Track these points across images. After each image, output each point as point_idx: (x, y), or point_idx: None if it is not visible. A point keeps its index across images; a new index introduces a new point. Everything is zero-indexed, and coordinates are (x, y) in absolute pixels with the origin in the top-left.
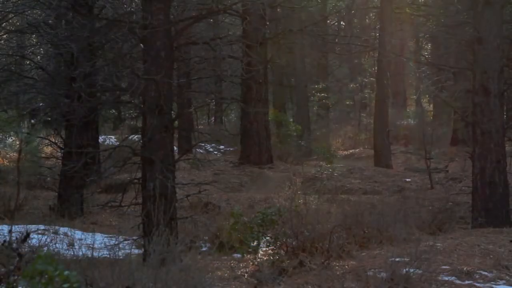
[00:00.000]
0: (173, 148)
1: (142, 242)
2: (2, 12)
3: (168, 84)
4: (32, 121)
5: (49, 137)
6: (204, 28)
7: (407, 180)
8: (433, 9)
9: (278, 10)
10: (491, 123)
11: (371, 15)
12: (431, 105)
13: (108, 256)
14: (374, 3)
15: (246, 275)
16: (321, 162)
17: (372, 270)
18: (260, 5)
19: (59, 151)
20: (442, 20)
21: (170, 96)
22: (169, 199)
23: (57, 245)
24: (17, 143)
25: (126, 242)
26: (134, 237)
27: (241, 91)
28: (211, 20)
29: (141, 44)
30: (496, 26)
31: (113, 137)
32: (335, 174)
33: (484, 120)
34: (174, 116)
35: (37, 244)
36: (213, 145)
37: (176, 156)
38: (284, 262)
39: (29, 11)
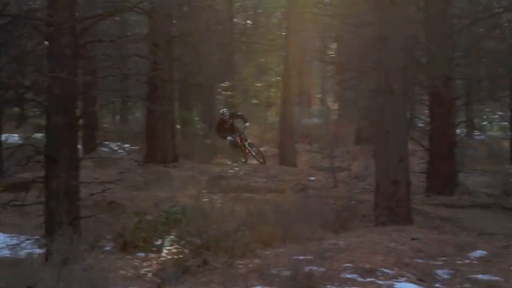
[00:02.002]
0: (78, 146)
1: (45, 242)
2: None
3: (73, 82)
4: None
5: None
6: (110, 26)
7: (312, 178)
8: (338, 8)
9: (185, 8)
10: (394, 122)
11: (278, 14)
12: (336, 104)
13: (9, 256)
14: (281, 3)
15: (150, 274)
16: (226, 161)
17: (276, 268)
18: (167, 3)
19: None
20: (347, 20)
21: (74, 94)
22: (73, 198)
23: None
24: None
25: (28, 241)
26: (37, 237)
27: (147, 89)
28: (118, 18)
29: (46, 42)
30: (400, 26)
31: (16, 135)
32: (241, 172)
33: (387, 119)
34: (78, 114)
35: None
36: (118, 143)
37: (81, 155)
38: (188, 261)
39: None
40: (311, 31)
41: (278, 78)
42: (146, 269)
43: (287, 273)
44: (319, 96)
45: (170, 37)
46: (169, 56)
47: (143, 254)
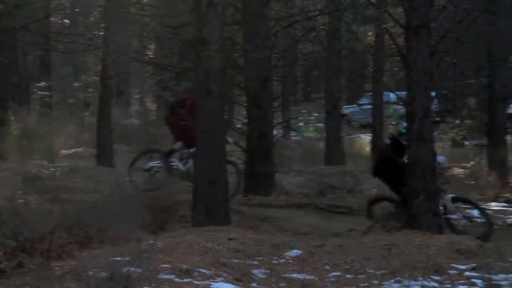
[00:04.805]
0: None
1: None
2: None
3: None
4: None
5: None
6: None
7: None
8: (157, 9)
9: (0, 6)
10: (212, 123)
11: (96, 13)
12: (155, 105)
13: None
14: (99, 2)
15: None
16: (43, 161)
17: (93, 269)
18: None
19: None
20: (166, 20)
21: None
22: None
23: None
24: None
25: None
26: None
27: None
28: None
29: None
30: (218, 27)
31: None
32: (57, 173)
33: (205, 120)
34: None
35: None
36: None
37: None
38: (2, 263)
39: None
40: (130, 31)
41: (96, 78)
42: None
43: (104, 274)
44: (137, 96)
45: None
46: None
47: None
